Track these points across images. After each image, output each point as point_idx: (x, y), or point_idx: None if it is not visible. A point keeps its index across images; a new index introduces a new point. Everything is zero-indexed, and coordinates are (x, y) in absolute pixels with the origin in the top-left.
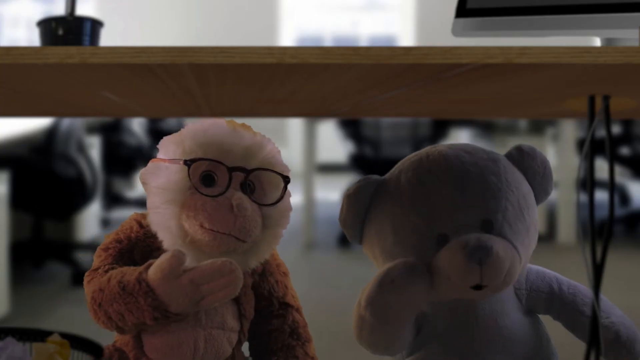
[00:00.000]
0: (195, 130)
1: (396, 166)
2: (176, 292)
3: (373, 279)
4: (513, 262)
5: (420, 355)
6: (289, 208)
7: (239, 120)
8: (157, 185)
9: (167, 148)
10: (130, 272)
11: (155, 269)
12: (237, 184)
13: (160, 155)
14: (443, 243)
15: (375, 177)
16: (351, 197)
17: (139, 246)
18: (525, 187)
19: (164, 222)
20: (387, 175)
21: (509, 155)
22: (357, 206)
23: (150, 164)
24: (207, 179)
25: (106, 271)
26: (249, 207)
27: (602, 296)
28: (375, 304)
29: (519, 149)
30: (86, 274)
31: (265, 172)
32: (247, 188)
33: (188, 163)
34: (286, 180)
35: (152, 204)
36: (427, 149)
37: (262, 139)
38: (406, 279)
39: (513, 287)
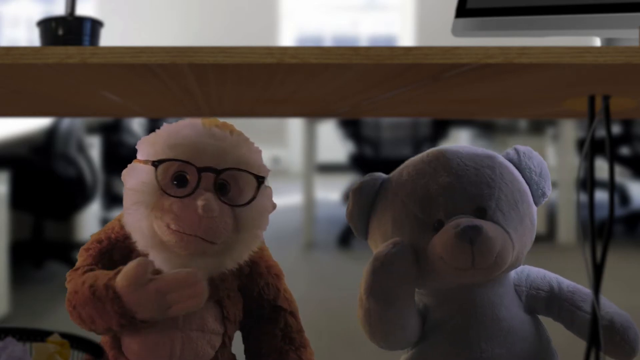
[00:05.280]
0: (168, 131)
1: (400, 166)
2: (142, 299)
3: (364, 271)
4: (504, 244)
5: (423, 346)
6: (267, 209)
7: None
8: (128, 186)
9: (142, 149)
10: (102, 277)
11: (122, 276)
12: (209, 185)
13: (137, 155)
14: (438, 229)
15: (380, 174)
16: (356, 192)
17: (118, 247)
18: (521, 184)
19: (135, 223)
20: (391, 174)
21: (506, 155)
22: (362, 200)
23: (129, 164)
24: (180, 180)
25: (85, 272)
26: (217, 208)
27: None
28: (374, 290)
29: (515, 150)
30: (68, 273)
31: (243, 172)
32: (220, 189)
33: (155, 164)
34: (260, 180)
35: (124, 205)
36: (428, 150)
37: (238, 138)
38: (393, 257)
39: (512, 283)
